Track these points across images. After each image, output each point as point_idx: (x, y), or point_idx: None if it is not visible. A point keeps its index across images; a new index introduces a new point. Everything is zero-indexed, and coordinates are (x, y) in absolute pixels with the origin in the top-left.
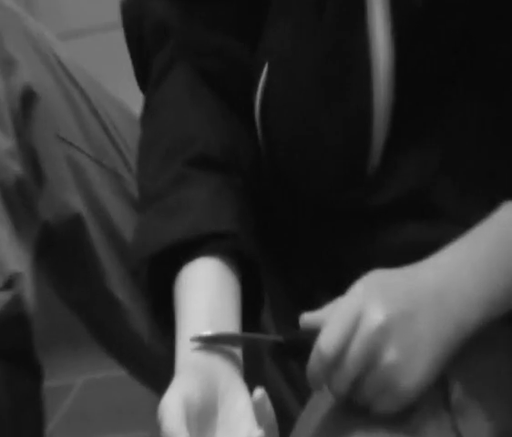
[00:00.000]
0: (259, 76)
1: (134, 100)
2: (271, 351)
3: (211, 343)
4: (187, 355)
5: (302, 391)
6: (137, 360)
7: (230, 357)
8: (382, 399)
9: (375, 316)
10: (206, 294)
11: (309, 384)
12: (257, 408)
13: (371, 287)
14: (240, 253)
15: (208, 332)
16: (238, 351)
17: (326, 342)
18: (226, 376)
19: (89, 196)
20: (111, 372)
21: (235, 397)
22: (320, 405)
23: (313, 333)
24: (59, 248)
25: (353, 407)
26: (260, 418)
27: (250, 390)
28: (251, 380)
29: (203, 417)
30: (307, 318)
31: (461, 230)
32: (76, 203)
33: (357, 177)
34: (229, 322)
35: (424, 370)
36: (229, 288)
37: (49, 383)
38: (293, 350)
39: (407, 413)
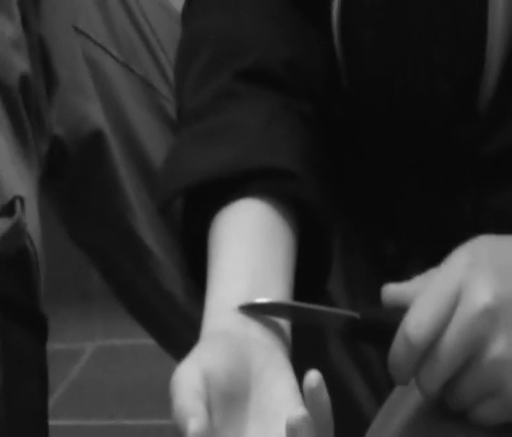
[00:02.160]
0: None
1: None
2: (342, 331)
3: (264, 313)
4: (217, 321)
5: (380, 385)
6: (167, 326)
7: (275, 329)
8: (485, 404)
9: (481, 295)
10: (248, 249)
11: (391, 376)
12: (309, 396)
13: (477, 257)
14: (301, 200)
15: (262, 300)
16: (286, 325)
17: (415, 325)
18: (265, 351)
19: (114, 108)
20: (129, 340)
21: (275, 379)
22: (403, 405)
23: (399, 312)
24: (73, 172)
25: (446, 411)
26: (312, 410)
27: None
28: (310, 365)
29: (230, 400)
30: (392, 291)
31: None
32: (97, 116)
33: (464, 113)
34: (276, 289)
35: None
36: (280, 242)
37: (54, 346)
38: (372, 330)
39: None
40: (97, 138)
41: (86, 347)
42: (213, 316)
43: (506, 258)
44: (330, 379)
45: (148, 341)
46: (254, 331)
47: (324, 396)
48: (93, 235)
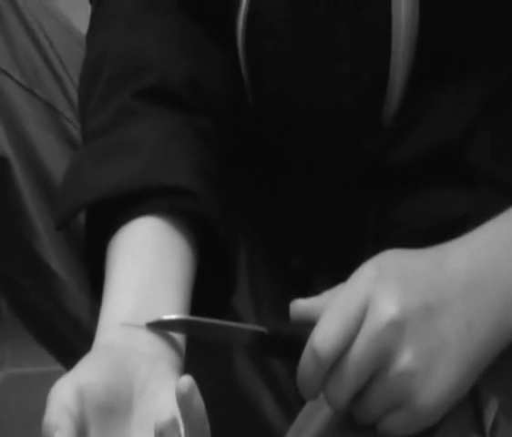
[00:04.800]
0: None
1: (84, 20)
2: (250, 346)
3: (171, 330)
4: (104, 337)
5: (290, 401)
6: (75, 351)
7: (163, 341)
8: (392, 416)
9: (387, 308)
10: (137, 263)
11: (299, 392)
12: (181, 402)
13: (384, 270)
14: (199, 216)
15: (169, 316)
16: (179, 338)
17: (322, 338)
18: (149, 363)
19: (17, 133)
20: (40, 367)
21: (158, 389)
22: (313, 420)
23: (308, 326)
24: None
25: (356, 424)
26: (185, 414)
27: (214, 395)
28: (214, 382)
29: (109, 413)
30: (300, 305)
31: (504, 200)
32: (1, 142)
33: (370, 124)
34: (166, 302)
35: (448, 382)
36: (174, 256)
37: None
38: (280, 345)
39: None
40: (0, 164)
41: None
42: (101, 332)
43: (412, 271)
44: (237, 395)
45: (58, 368)
46: (139, 344)
47: (196, 400)
48: None
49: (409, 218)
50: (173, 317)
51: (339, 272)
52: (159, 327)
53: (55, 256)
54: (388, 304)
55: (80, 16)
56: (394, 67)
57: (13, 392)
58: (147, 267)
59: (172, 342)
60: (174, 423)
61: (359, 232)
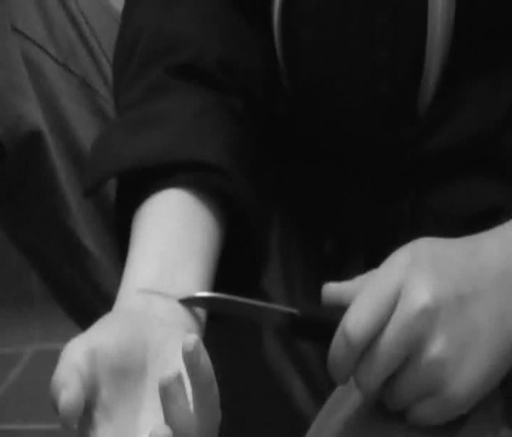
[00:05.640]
0: None
1: None
2: (281, 327)
3: (203, 307)
4: (123, 302)
5: (320, 385)
6: None
7: (183, 310)
8: (423, 404)
9: (420, 295)
10: (161, 233)
11: (330, 375)
12: (187, 360)
13: (417, 257)
14: (227, 194)
15: (201, 293)
16: (200, 311)
17: (354, 323)
18: (166, 328)
19: (52, 108)
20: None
21: (174, 354)
22: (343, 405)
23: (339, 310)
24: (11, 173)
25: (386, 411)
26: (191, 373)
27: (244, 379)
28: (246, 366)
29: (123, 375)
30: (332, 289)
31: None
32: (35, 116)
33: (405, 114)
34: (187, 273)
35: (480, 371)
36: (199, 229)
37: None
38: (311, 327)
39: (455, 427)
40: (35, 138)
41: (24, 350)
42: (120, 298)
43: (445, 259)
44: (266, 378)
45: None
46: (157, 310)
47: (203, 358)
48: (31, 236)
49: (443, 208)
50: (205, 294)
51: (372, 258)
52: (191, 303)
53: (88, 232)
54: (421, 291)
55: None
56: (429, 57)
57: (42, 368)
58: (170, 236)
59: (191, 310)
60: (179, 379)
61: (393, 220)
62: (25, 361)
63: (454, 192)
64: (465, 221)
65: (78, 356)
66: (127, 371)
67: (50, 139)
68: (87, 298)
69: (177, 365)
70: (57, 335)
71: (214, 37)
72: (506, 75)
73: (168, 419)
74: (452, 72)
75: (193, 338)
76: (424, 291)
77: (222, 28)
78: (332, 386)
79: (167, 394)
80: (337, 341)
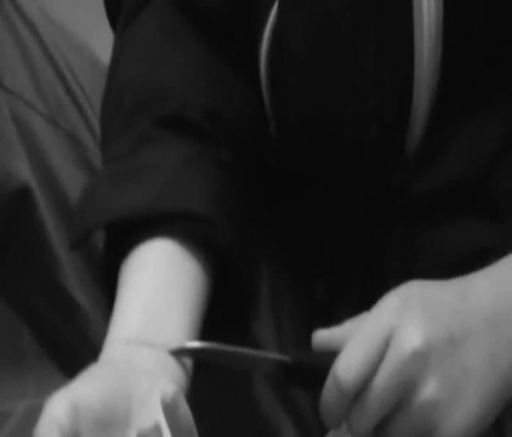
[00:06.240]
0: (265, 16)
1: (107, 49)
2: (272, 375)
3: (194, 357)
4: (106, 353)
5: (311, 430)
6: None
7: (168, 360)
8: None
9: (411, 339)
10: (147, 282)
11: (322, 420)
12: (166, 411)
13: (408, 301)
14: (213, 242)
15: (192, 343)
16: (187, 359)
17: (346, 368)
18: (150, 378)
19: (41, 164)
20: None
21: (157, 405)
22: None
23: (330, 356)
24: (0, 229)
25: None
26: (171, 424)
27: (234, 422)
28: (236, 410)
29: (106, 427)
30: (323, 335)
31: None
32: (24, 173)
33: (394, 156)
34: (172, 321)
35: (473, 412)
36: (185, 278)
37: None
38: (303, 374)
39: None
40: (23, 195)
41: (16, 406)
42: (106, 349)
43: (436, 302)
44: (257, 423)
45: None
46: (142, 360)
47: (182, 409)
48: (22, 291)
49: (433, 249)
50: (196, 344)
51: (363, 302)
52: (181, 354)
53: (78, 286)
54: (412, 335)
55: (101, 36)
56: (417, 99)
57: (34, 423)
58: (156, 286)
59: (178, 360)
60: (157, 430)
61: (383, 262)
62: (16, 420)
63: (443, 233)
64: (456, 262)
65: (60, 410)
66: (110, 423)
67: (39, 194)
68: (78, 351)
69: (161, 416)
70: (50, 391)
71: (199, 88)
72: (493, 116)
73: None
74: (440, 113)
75: (172, 390)
76: (415, 334)
77: (207, 78)
78: (324, 431)
79: None
80: (329, 387)
